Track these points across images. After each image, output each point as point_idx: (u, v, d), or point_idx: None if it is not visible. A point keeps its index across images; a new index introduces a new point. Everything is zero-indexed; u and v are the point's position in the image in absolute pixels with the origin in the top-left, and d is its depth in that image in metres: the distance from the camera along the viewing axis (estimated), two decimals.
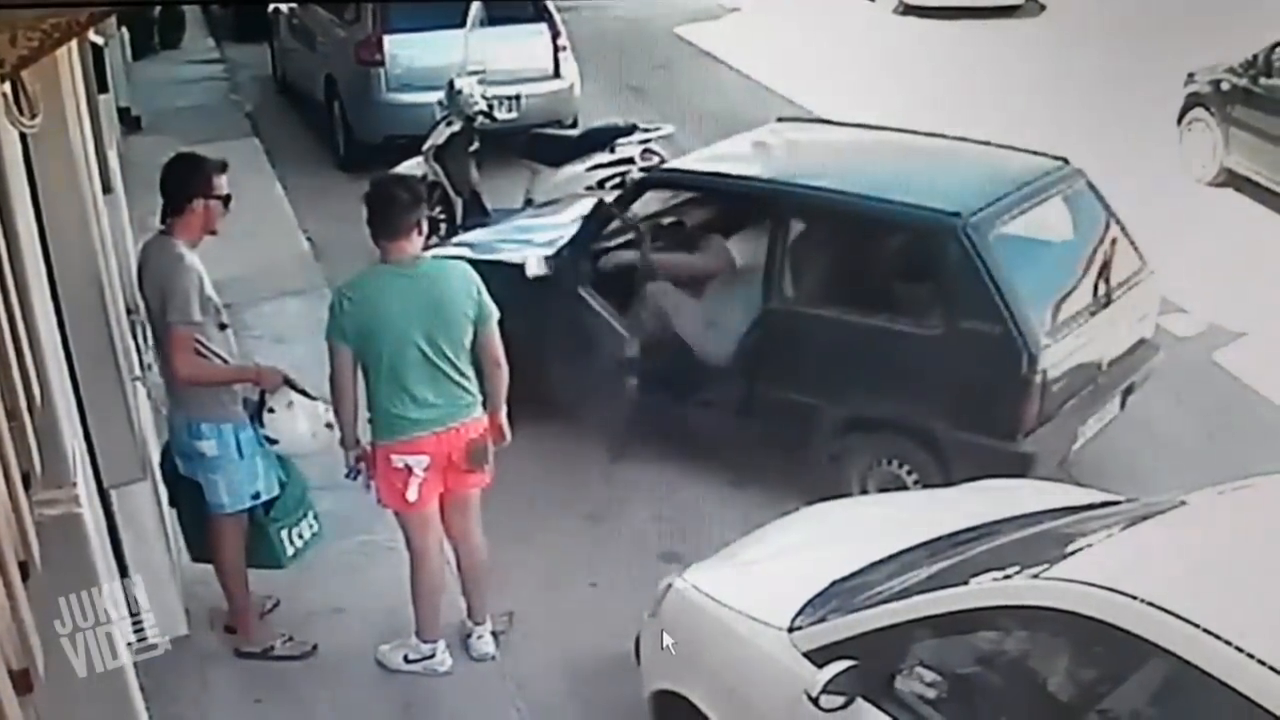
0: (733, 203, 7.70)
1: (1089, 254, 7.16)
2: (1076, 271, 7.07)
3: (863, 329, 6.82)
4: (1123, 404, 7.20)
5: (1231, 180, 11.75)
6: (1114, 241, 7.21)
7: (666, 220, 7.96)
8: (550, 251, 7.69)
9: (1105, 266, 7.08)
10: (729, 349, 7.20)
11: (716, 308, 7.40)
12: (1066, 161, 7.35)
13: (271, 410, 5.57)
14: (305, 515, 5.86)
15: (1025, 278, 6.61)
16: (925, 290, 6.79)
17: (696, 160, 8.01)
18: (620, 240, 7.82)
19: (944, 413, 6.58)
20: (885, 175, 7.29)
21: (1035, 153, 7.49)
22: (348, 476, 5.71)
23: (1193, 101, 12.15)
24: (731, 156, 7.95)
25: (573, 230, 7.91)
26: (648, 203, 7.90)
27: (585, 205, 8.68)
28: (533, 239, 8.22)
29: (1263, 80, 11.50)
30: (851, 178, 7.30)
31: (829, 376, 6.92)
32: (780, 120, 8.80)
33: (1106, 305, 6.98)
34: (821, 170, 7.53)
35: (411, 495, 5.58)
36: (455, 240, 8.72)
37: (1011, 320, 6.40)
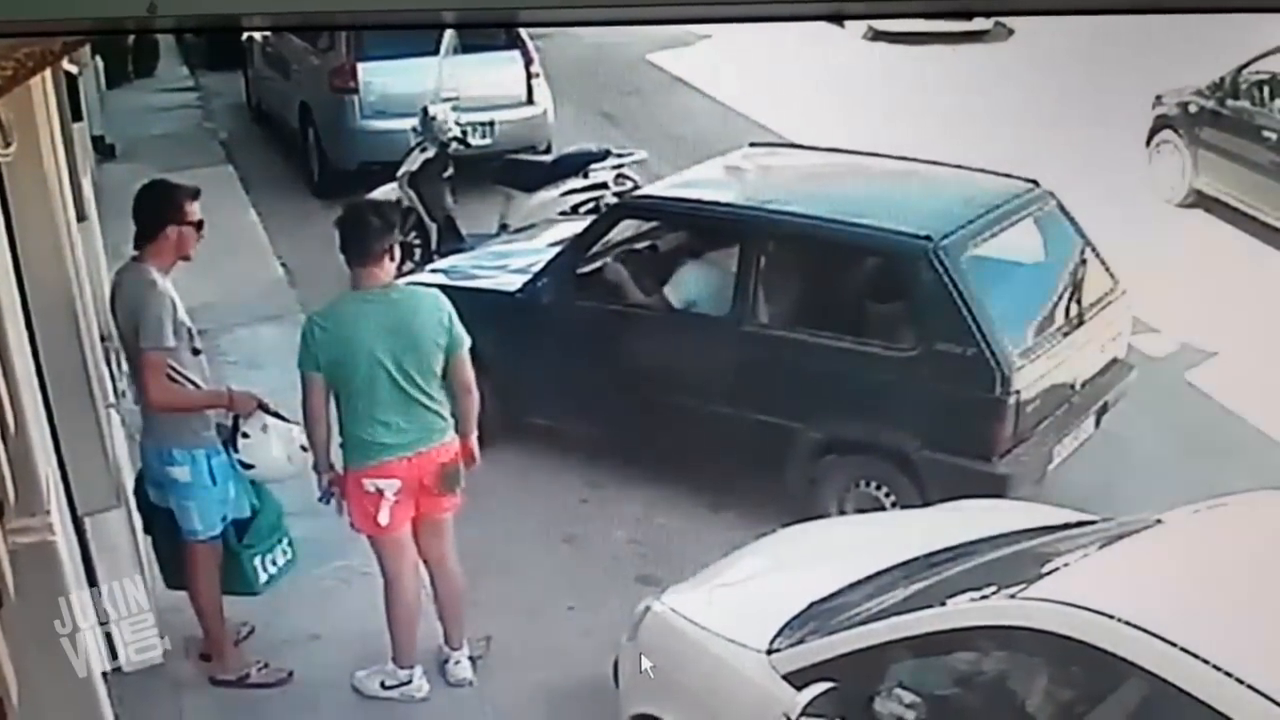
0: (705, 228, 7.71)
1: (1060, 275, 7.20)
2: (1048, 292, 7.11)
3: (836, 352, 6.84)
4: (1098, 423, 7.23)
5: (1201, 201, 11.83)
6: (1085, 262, 7.25)
7: (640, 245, 7.98)
8: (527, 277, 7.72)
9: (1077, 287, 7.13)
10: (703, 372, 7.20)
11: (690, 330, 7.41)
12: (1036, 184, 7.40)
13: (246, 435, 5.54)
14: (279, 542, 5.83)
15: (997, 299, 6.66)
16: (897, 313, 6.83)
17: (669, 186, 8.05)
18: (596, 265, 7.83)
19: (918, 435, 6.61)
20: (856, 199, 7.34)
21: (1005, 175, 7.54)
22: (320, 500, 5.71)
23: (1161, 124, 12.24)
24: (704, 182, 7.98)
25: (548, 256, 7.92)
26: (623, 228, 7.93)
27: (560, 231, 8.70)
28: (508, 265, 8.23)
29: (1230, 102, 11.59)
30: (822, 202, 7.33)
31: (803, 399, 6.94)
32: (752, 145, 8.83)
33: (1079, 325, 7.02)
34: (793, 195, 7.57)
35: (383, 519, 5.56)
36: (431, 268, 8.72)
37: (984, 342, 6.45)
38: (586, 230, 7.99)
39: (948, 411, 6.59)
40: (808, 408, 6.92)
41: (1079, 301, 7.09)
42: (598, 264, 7.83)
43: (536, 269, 7.82)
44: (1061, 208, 7.36)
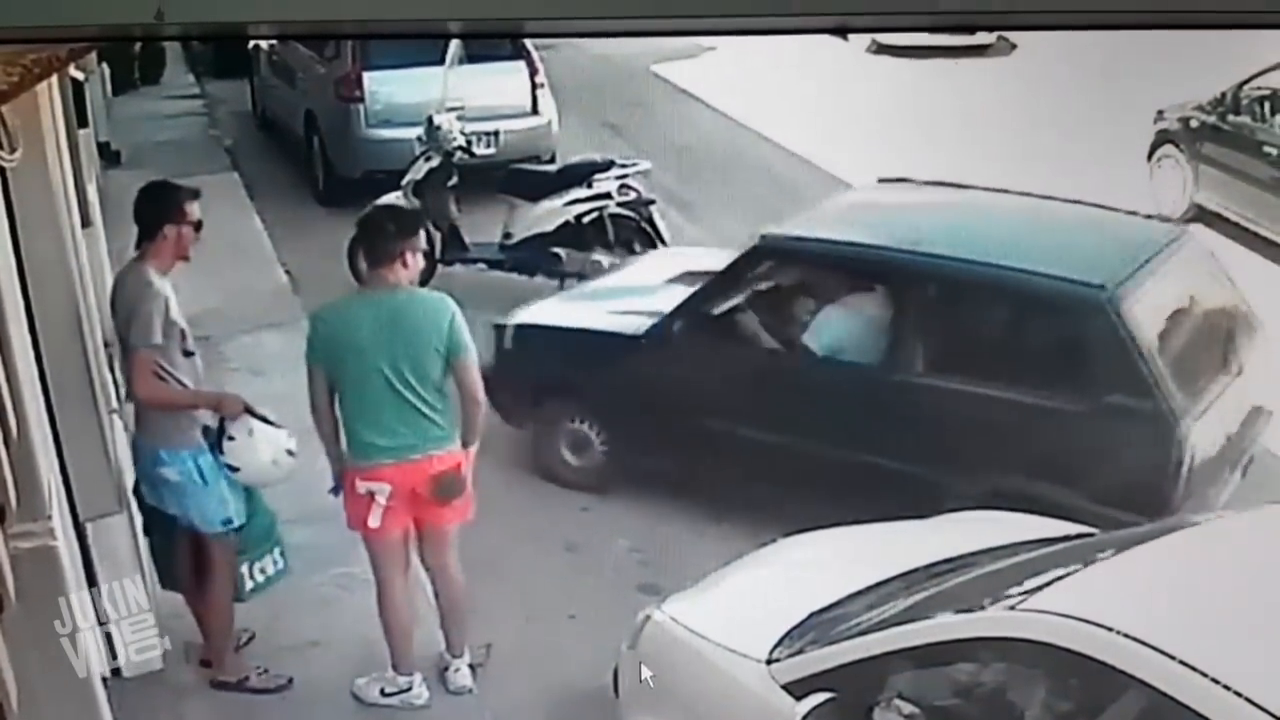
0: (855, 270, 7.29)
1: (1217, 322, 6.97)
2: (1209, 341, 6.87)
3: (995, 402, 6.57)
4: (1244, 474, 6.88)
5: (1201, 216, 11.80)
6: (1236, 308, 7.01)
7: (781, 287, 7.52)
8: (653, 319, 7.42)
9: (1231, 334, 6.91)
10: (847, 420, 6.94)
11: (836, 377, 7.13)
12: (1182, 225, 7.21)
13: (232, 438, 5.54)
14: (271, 550, 5.81)
15: (1166, 350, 6.43)
16: (1065, 363, 6.57)
17: (811, 225, 7.66)
18: (733, 306, 7.46)
19: (1084, 490, 6.28)
20: (1015, 243, 7.02)
21: (1148, 216, 7.34)
22: (331, 491, 5.71)
23: (1162, 138, 12.23)
24: (845, 221, 7.65)
25: (668, 293, 7.64)
26: (764, 270, 7.52)
27: (668, 265, 8.36)
28: (619, 306, 7.83)
29: (1231, 117, 11.61)
30: (980, 245, 7.01)
31: (956, 452, 6.61)
32: (881, 181, 8.37)
33: (1239, 374, 6.77)
34: (946, 237, 7.15)
35: (373, 521, 5.57)
36: (536, 306, 8.20)
37: (1161, 395, 6.25)
38: (725, 271, 7.51)
39: (1117, 467, 6.30)
40: (962, 461, 6.59)
41: (1234, 349, 6.86)
42: (734, 305, 7.44)
43: (664, 311, 7.40)
44: (1209, 251, 7.12)
